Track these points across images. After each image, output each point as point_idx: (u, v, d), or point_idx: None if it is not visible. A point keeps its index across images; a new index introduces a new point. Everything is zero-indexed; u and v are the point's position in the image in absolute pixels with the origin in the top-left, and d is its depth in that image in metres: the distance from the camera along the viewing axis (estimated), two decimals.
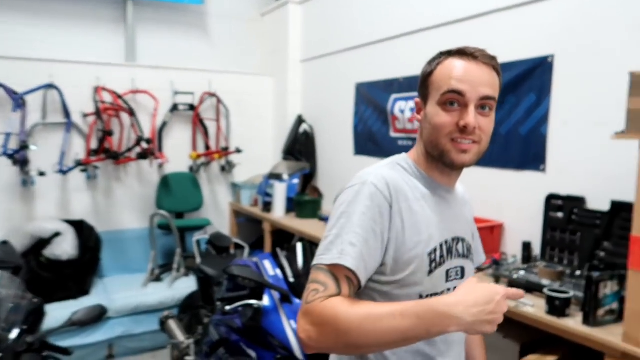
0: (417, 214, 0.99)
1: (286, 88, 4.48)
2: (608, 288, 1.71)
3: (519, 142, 2.47)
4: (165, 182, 4.27)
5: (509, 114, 2.51)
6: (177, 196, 4.26)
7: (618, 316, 1.71)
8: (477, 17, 2.65)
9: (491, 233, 2.55)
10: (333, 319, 0.84)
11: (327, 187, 4.07)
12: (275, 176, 4.03)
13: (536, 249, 2.37)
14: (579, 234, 2.19)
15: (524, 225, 2.45)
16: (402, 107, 3.18)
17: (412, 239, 0.97)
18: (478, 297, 0.84)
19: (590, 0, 2.14)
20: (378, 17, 3.42)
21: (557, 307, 1.78)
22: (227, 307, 2.11)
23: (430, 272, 0.99)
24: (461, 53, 0.99)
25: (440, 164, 1.02)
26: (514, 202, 2.52)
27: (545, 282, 2.02)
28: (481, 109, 0.98)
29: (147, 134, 4.11)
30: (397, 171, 1.03)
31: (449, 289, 1.04)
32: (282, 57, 4.51)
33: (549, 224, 2.32)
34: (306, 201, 3.78)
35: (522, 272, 2.16)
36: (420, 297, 0.98)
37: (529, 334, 2.03)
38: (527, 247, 2.38)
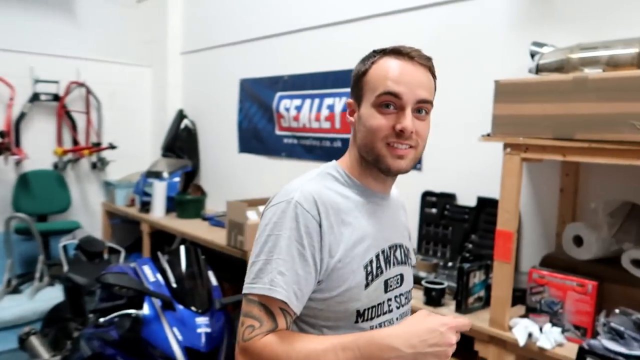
0: (350, 226, 0.93)
1: (165, 81, 4.24)
2: (476, 277, 1.87)
3: None
4: (24, 181, 3.79)
5: None
6: (39, 197, 3.82)
7: (485, 302, 1.87)
8: (360, 20, 2.73)
9: None
10: (274, 359, 0.82)
11: (210, 186, 3.94)
12: (154, 174, 3.80)
13: (414, 243, 2.52)
14: (451, 228, 2.37)
15: None
16: (288, 105, 3.18)
17: (346, 254, 0.92)
18: (421, 328, 0.82)
19: (462, 11, 2.32)
20: (263, 13, 3.38)
21: (434, 298, 1.90)
22: (102, 319, 1.92)
23: (367, 285, 0.94)
24: (396, 52, 0.94)
25: (376, 169, 0.96)
26: None
27: (422, 274, 2.15)
28: (417, 113, 0.94)
29: (0, 126, 3.61)
30: (327, 181, 0.97)
31: (389, 299, 0.99)
32: (161, 48, 4.26)
33: (425, 219, 2.47)
34: (188, 200, 3.62)
35: None
36: (358, 312, 0.93)
37: None
38: None
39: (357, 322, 0.94)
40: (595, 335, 1.53)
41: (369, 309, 0.94)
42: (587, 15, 1.90)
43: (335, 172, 1.00)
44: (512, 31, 2.12)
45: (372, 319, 0.95)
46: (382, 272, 0.97)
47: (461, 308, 1.84)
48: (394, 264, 1.01)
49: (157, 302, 1.96)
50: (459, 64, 2.33)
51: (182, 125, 4.09)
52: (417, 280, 2.09)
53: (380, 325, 0.97)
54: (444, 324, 0.82)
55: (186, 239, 3.19)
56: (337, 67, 2.88)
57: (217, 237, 3.00)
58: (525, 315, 1.71)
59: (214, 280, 2.21)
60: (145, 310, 1.93)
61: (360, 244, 0.94)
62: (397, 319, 1.00)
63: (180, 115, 4.11)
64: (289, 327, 0.88)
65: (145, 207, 3.67)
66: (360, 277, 0.93)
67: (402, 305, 1.03)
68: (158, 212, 3.58)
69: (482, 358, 1.73)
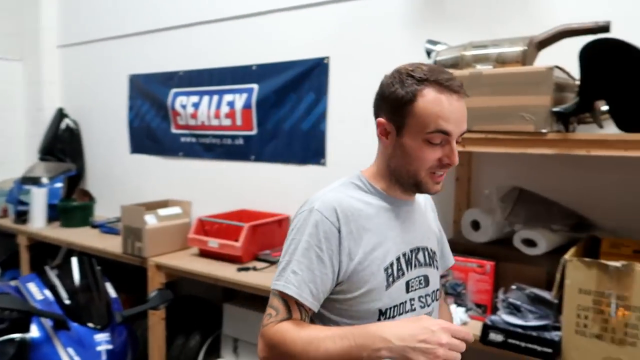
0: (370, 232, 1.02)
1: (40, 77, 3.81)
2: None
3: (301, 138, 2.61)
4: None
5: (292, 111, 2.62)
6: None
7: None
8: (259, 14, 2.68)
9: (279, 226, 2.63)
10: (282, 342, 0.93)
11: (100, 190, 3.62)
12: (31, 180, 3.41)
13: None
14: None
15: None
16: (184, 102, 3.03)
17: (365, 257, 1.00)
18: (415, 325, 0.87)
19: (361, 7, 2.37)
20: (154, 4, 3.18)
21: None
22: None
23: (388, 286, 1.02)
24: (439, 84, 0.98)
25: (412, 188, 1.06)
26: (298, 195, 2.63)
27: None
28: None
29: None
30: (350, 190, 1.06)
31: (412, 299, 1.07)
32: (33, 41, 3.82)
33: None
34: (74, 207, 3.31)
35: None
36: (380, 311, 1.01)
37: None
38: None
39: (379, 319, 1.02)
40: (495, 311, 1.66)
41: (390, 308, 1.03)
42: (474, 15, 2.05)
43: (359, 181, 1.09)
44: (408, 29, 2.22)
45: (394, 317, 1.04)
46: (403, 274, 1.05)
47: None
48: (415, 266, 1.09)
49: (48, 322, 1.75)
50: (360, 61, 2.39)
51: (63, 126, 3.72)
52: None
53: None
54: (438, 324, 0.87)
55: (74, 249, 2.91)
56: (237, 62, 2.80)
57: (110, 245, 2.78)
58: None
59: (112, 292, 2.04)
60: (34, 332, 1.73)
61: (379, 247, 1.03)
62: None
63: (60, 115, 3.73)
64: (303, 320, 0.98)
65: (22, 217, 3.28)
66: (380, 279, 1.01)
67: (428, 305, 1.11)
68: (38, 222, 3.22)
69: None
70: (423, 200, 1.19)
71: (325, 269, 0.97)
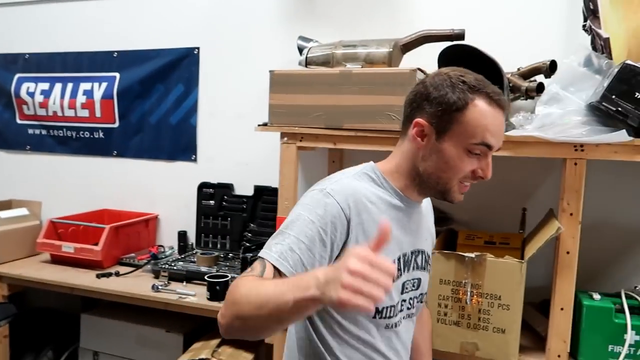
0: (378, 226, 0.96)
1: None
2: None
3: (170, 133, 2.45)
4: None
5: (159, 104, 2.45)
6: None
7: None
8: None
9: (146, 226, 2.46)
10: (235, 287, 0.85)
11: None
12: None
13: (192, 238, 2.42)
14: (229, 218, 2.35)
15: (179, 215, 2.46)
16: (31, 89, 2.67)
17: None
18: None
19: (233, 1, 2.29)
20: None
21: (219, 292, 1.85)
22: None
23: None
24: (490, 97, 0.96)
25: (436, 194, 1.04)
26: (167, 193, 2.50)
27: (204, 269, 2.08)
28: None
29: None
30: (363, 181, 1.03)
31: (404, 300, 1.07)
32: None
33: (202, 212, 2.40)
34: None
35: (180, 263, 2.16)
36: (377, 309, 1.01)
37: (192, 323, 2.06)
38: (182, 236, 2.39)
39: (374, 317, 1.02)
40: None
41: (387, 307, 1.03)
42: (342, 13, 2.09)
43: (373, 174, 1.06)
44: (281, 24, 2.20)
45: (390, 317, 1.04)
46: (400, 275, 1.05)
47: None
48: (413, 268, 1.08)
49: None
50: (233, 53, 2.31)
51: None
52: (199, 276, 2.02)
53: (395, 324, 1.06)
54: (358, 252, 0.71)
55: None
56: (95, 47, 2.54)
57: None
58: None
59: None
60: None
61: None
62: (403, 318, 1.09)
63: None
64: None
65: None
66: None
67: (412, 307, 1.12)
68: None
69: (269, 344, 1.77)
70: (425, 204, 1.17)
71: (325, 252, 0.94)
